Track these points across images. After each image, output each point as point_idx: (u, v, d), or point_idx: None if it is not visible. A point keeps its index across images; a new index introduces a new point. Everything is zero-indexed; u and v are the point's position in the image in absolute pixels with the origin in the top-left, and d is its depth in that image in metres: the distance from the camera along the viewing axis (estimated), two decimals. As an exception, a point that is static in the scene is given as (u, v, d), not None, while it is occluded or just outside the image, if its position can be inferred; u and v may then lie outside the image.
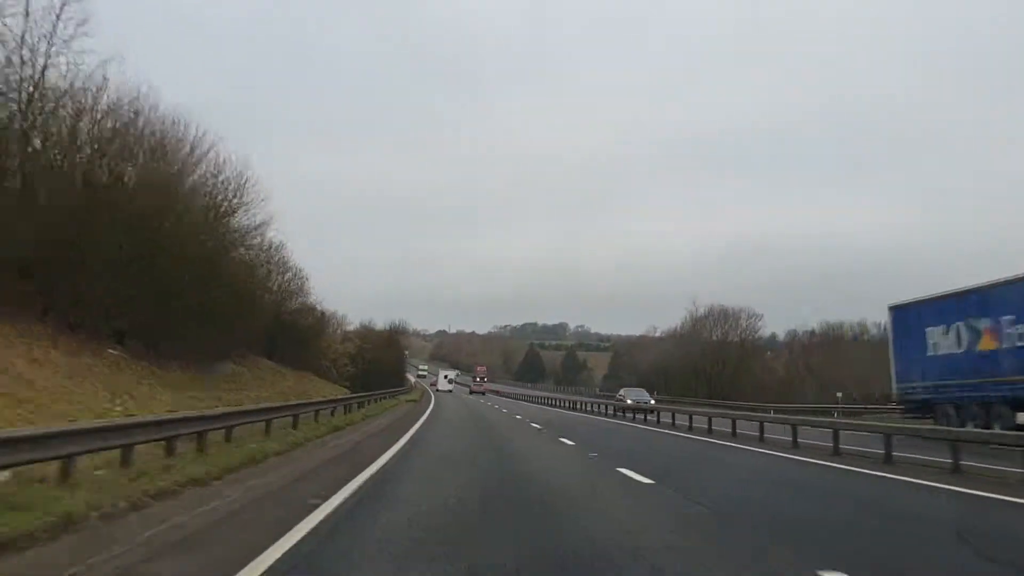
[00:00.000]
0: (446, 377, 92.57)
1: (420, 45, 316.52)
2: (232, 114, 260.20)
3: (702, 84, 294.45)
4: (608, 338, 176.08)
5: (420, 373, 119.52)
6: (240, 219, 34.14)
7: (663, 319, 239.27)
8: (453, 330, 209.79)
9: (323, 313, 58.42)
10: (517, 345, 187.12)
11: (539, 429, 23.34)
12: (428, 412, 31.52)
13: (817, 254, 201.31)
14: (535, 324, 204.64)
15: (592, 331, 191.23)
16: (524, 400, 64.25)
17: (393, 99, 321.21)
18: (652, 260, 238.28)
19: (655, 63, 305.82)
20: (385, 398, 39.55)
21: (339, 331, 63.96)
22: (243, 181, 33.77)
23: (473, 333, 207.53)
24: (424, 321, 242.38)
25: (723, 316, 69.15)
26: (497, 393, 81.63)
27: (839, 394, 44.82)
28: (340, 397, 27.50)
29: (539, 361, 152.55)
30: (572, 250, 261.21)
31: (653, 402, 37.08)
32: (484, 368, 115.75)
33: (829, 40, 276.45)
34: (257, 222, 35.83)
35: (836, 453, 14.82)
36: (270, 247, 43.91)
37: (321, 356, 53.22)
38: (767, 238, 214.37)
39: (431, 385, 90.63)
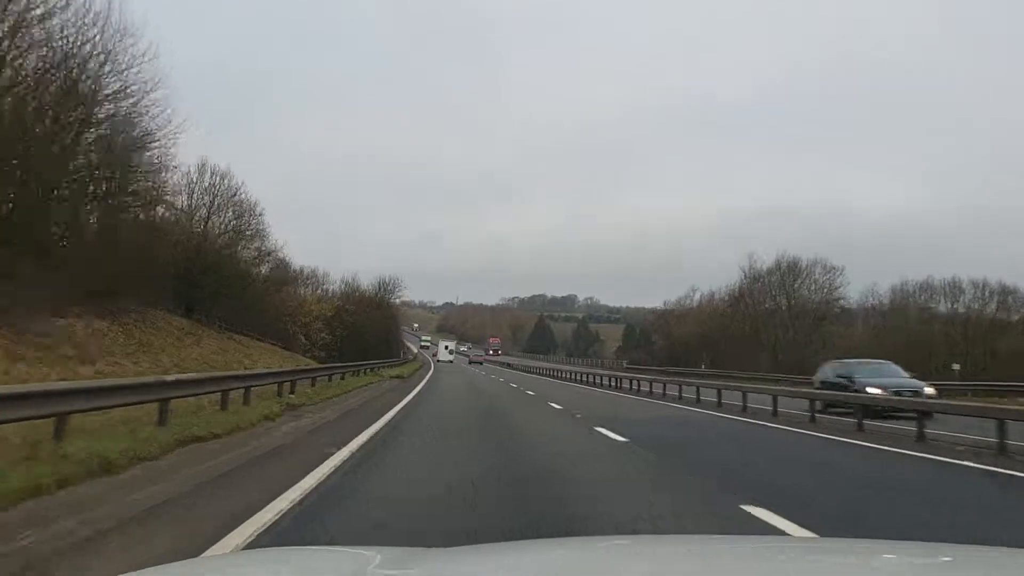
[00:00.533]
0: (447, 348, 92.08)
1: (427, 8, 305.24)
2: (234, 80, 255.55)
3: (717, 51, 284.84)
4: (619, 310, 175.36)
5: (424, 344, 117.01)
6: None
7: (673, 290, 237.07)
8: (461, 302, 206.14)
9: (286, 263, 46.95)
10: (526, 317, 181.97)
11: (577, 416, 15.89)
12: (403, 406, 19.63)
13: (835, 223, 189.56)
14: (544, 296, 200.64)
15: (602, 303, 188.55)
16: (536, 374, 53.47)
17: (399, 67, 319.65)
18: (663, 232, 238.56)
19: (671, 29, 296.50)
20: (364, 372, 28.92)
21: (317, 291, 53.15)
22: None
23: (481, 305, 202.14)
24: (432, 293, 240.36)
25: (792, 271, 56.31)
26: (509, 366, 71.92)
27: (956, 366, 33.84)
28: (275, 370, 17.07)
29: (549, 333, 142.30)
30: (582, 222, 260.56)
31: (930, 390, 16.82)
32: (498, 339, 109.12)
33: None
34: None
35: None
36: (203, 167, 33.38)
37: (287, 319, 42.13)
38: (784, 207, 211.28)
39: (433, 356, 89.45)
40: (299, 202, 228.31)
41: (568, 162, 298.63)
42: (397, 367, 44.13)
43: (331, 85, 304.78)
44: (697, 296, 68.52)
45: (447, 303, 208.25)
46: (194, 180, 36.03)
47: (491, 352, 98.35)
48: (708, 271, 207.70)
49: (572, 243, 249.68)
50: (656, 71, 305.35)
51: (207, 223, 36.40)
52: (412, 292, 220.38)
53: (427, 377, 38.24)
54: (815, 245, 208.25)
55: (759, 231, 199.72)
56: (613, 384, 32.82)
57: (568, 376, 45.13)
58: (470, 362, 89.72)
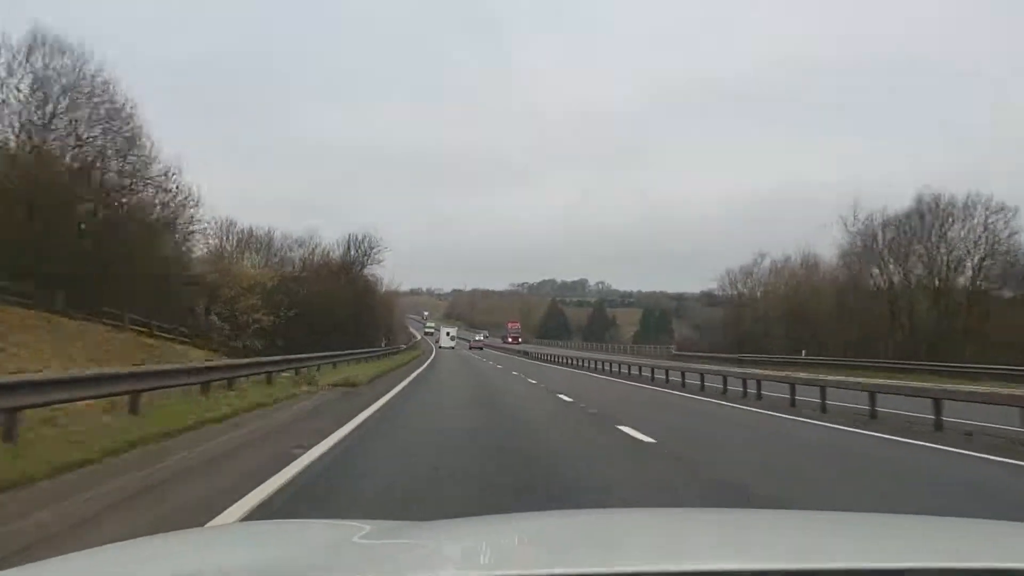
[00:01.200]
0: (448, 334, 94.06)
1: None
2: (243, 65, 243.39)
3: (732, 27, 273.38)
4: (631, 294, 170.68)
5: (428, 330, 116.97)
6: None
7: (691, 274, 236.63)
8: (469, 288, 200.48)
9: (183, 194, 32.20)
10: (536, 302, 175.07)
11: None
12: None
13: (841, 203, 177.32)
14: (554, 281, 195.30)
15: (614, 287, 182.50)
16: (557, 364, 40.55)
17: (406, 48, 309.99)
18: (675, 215, 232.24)
19: (681, 5, 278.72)
20: (286, 372, 17.80)
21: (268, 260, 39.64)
22: None
23: (490, 290, 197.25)
24: (440, 280, 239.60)
25: (939, 215, 38.90)
26: (526, 355, 61.34)
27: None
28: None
29: (562, 318, 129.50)
30: (592, 206, 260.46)
31: None
32: (517, 324, 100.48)
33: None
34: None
35: None
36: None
37: (199, 294, 28.83)
38: (798, 188, 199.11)
39: (436, 342, 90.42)
40: (300, 189, 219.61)
41: (578, 145, 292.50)
42: (373, 362, 31.34)
43: (333, 69, 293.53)
44: (767, 263, 53.57)
45: (455, 290, 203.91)
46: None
47: (510, 339, 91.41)
48: (723, 254, 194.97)
49: (582, 227, 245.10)
50: (671, 49, 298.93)
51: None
52: (420, 279, 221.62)
53: (412, 376, 25.44)
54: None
55: (779, 211, 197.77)
56: (652, 376, 25.68)
57: (598, 367, 32.42)
58: (469, 347, 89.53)
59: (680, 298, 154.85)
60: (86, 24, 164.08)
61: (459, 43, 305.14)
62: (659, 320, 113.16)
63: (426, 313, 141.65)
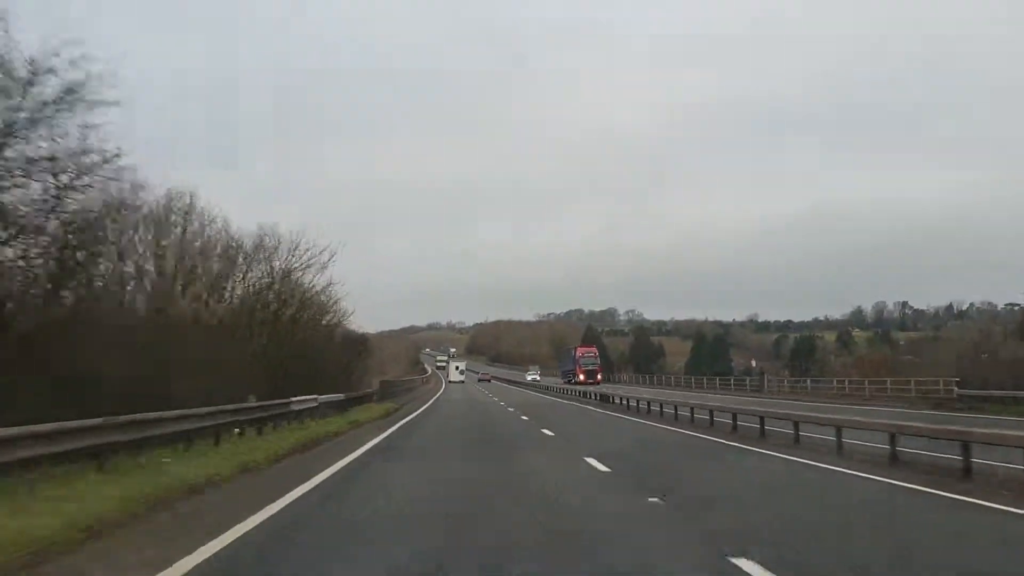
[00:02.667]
0: (457, 368, 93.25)
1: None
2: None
3: (762, 46, 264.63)
4: (666, 323, 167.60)
5: (439, 364, 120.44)
6: None
7: (726, 300, 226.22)
8: (492, 320, 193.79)
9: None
10: (567, 331, 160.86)
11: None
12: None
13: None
14: (581, 311, 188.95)
15: (646, 316, 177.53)
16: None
17: (423, 76, 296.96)
18: (706, 240, 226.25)
19: (712, 23, 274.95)
20: None
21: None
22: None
23: (515, 321, 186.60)
24: (460, 314, 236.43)
25: None
26: (605, 400, 36.88)
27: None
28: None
29: (602, 347, 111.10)
30: (619, 234, 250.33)
31: None
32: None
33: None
34: None
35: None
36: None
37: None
38: (835, 208, 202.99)
39: (447, 376, 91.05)
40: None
41: (603, 172, 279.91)
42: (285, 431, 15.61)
43: (351, 103, 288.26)
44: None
45: (477, 324, 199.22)
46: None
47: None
48: (755, 280, 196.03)
49: (609, 256, 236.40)
50: (693, 74, 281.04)
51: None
52: (439, 314, 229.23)
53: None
54: (869, 246, 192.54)
55: (807, 234, 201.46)
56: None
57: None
58: (479, 379, 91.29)
59: (725, 325, 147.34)
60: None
61: (479, 70, 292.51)
62: (713, 348, 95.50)
63: (453, 350, 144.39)
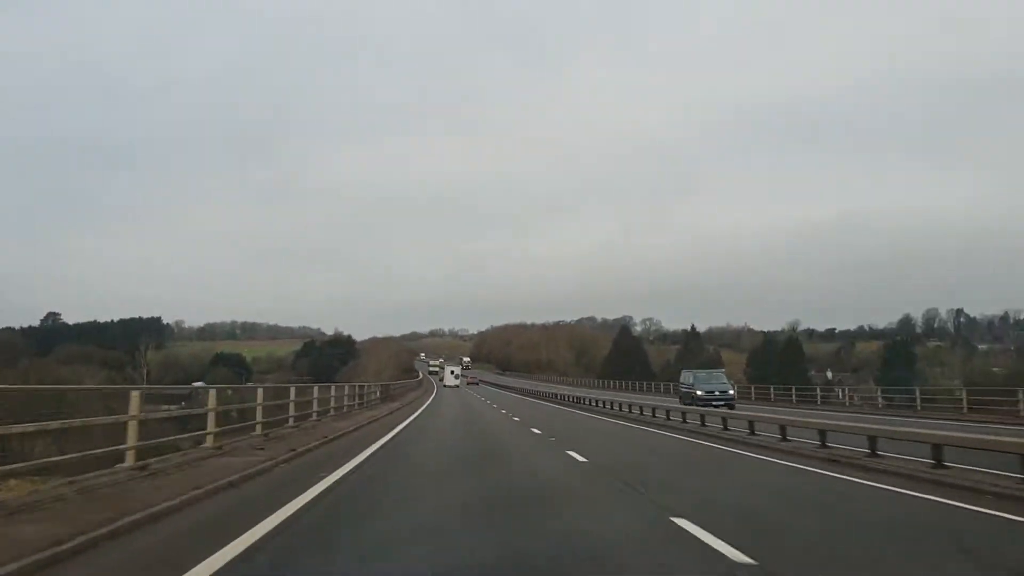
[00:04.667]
0: (452, 372, 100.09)
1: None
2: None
3: (781, 47, 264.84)
4: (682, 332, 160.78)
5: (432, 369, 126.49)
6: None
7: (749, 309, 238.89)
8: (498, 324, 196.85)
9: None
10: (590, 334, 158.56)
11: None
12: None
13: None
14: (593, 319, 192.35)
15: (663, 325, 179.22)
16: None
17: (431, 77, 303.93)
18: (724, 248, 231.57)
19: (726, 25, 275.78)
20: None
21: None
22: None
23: (525, 324, 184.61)
24: (465, 322, 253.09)
25: None
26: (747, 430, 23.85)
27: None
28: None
29: (638, 352, 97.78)
30: (632, 241, 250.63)
31: None
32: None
33: None
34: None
35: None
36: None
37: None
38: (858, 220, 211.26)
39: (440, 381, 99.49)
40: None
41: (615, 178, 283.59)
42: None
43: (354, 105, 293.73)
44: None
45: (482, 331, 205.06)
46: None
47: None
48: (769, 287, 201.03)
49: (620, 264, 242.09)
50: (711, 79, 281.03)
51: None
52: (444, 322, 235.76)
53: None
54: (895, 257, 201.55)
55: (828, 243, 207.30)
56: None
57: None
58: (468, 383, 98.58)
59: (768, 335, 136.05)
60: None
61: (490, 71, 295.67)
62: (786, 354, 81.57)
63: (467, 359, 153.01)
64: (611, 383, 79.59)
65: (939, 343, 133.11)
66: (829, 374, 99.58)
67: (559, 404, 45.08)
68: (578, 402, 42.54)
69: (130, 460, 11.45)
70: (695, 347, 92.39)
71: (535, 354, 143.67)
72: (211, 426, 15.70)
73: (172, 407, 27.63)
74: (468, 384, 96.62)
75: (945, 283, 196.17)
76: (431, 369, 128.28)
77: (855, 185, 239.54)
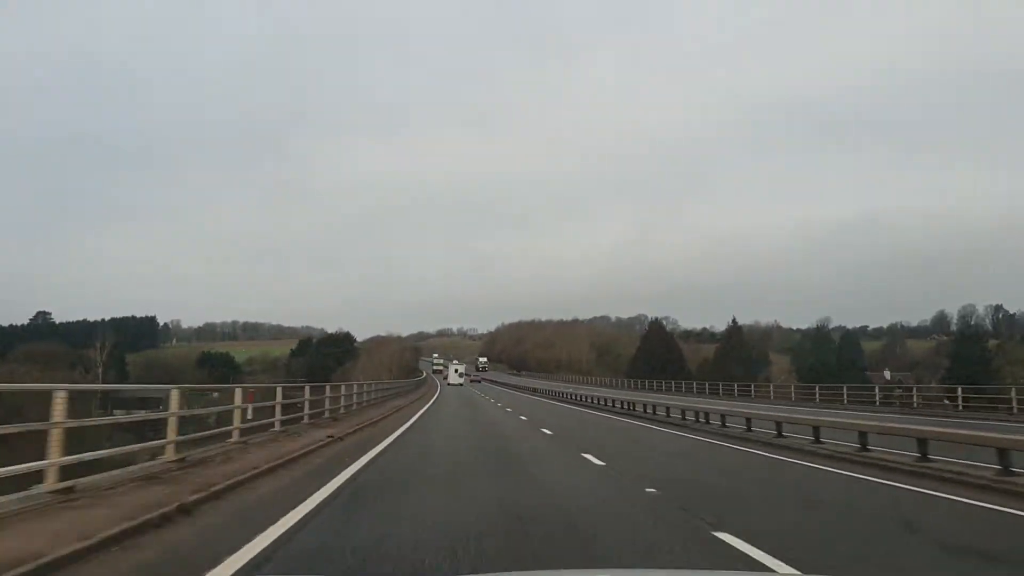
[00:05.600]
0: (456, 371, 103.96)
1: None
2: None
3: (802, 41, 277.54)
4: (706, 332, 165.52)
5: (436, 367, 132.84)
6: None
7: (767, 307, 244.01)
8: (511, 322, 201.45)
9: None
10: (615, 331, 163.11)
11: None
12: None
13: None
14: (607, 318, 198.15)
15: (680, 324, 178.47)
16: None
17: (444, 75, 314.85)
18: (739, 246, 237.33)
19: (745, 17, 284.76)
20: None
21: None
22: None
23: (540, 321, 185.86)
24: (475, 321, 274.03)
25: None
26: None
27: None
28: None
29: (674, 349, 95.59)
30: (646, 239, 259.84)
31: None
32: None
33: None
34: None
35: None
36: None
37: None
38: (873, 220, 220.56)
39: (444, 379, 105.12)
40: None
41: (629, 177, 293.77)
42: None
43: (365, 102, 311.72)
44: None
45: (491, 331, 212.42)
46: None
47: None
48: (789, 285, 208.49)
49: (634, 263, 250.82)
50: (724, 77, 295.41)
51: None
52: (452, 321, 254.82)
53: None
54: (909, 256, 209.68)
55: (845, 242, 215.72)
56: None
57: None
58: (470, 380, 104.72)
59: (798, 332, 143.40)
60: None
61: (504, 68, 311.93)
62: (842, 352, 78.86)
63: (484, 359, 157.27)
64: (644, 383, 76.68)
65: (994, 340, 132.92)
66: (887, 374, 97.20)
67: (613, 414, 37.06)
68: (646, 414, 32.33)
69: (50, 480, 9.16)
70: (737, 344, 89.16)
71: (551, 353, 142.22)
72: (171, 434, 13.33)
73: (136, 412, 25.22)
74: (471, 382, 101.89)
75: (976, 279, 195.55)
76: (435, 367, 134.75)
77: (880, 182, 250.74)
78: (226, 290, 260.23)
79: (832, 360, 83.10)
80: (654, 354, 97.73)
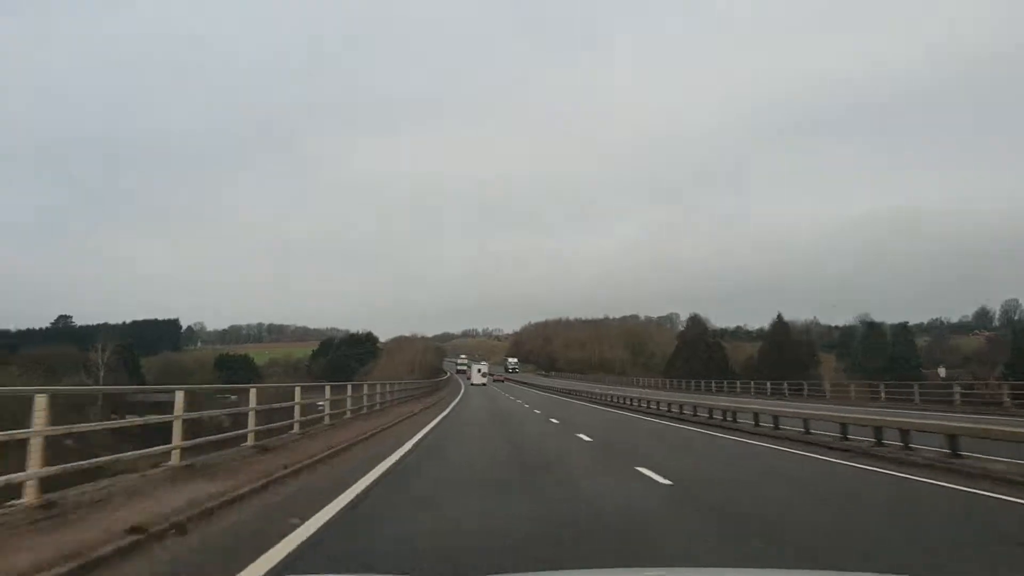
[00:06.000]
0: (479, 371, 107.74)
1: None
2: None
3: (840, 31, 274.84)
4: (738, 329, 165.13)
5: (460, 368, 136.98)
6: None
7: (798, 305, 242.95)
8: (539, 320, 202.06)
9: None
10: (647, 330, 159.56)
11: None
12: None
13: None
14: (636, 317, 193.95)
15: (713, 323, 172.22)
16: None
17: (462, 74, 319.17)
18: (772, 244, 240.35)
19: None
20: None
21: None
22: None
23: (566, 320, 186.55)
24: (498, 321, 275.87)
25: None
26: None
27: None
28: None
29: (715, 347, 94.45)
30: (674, 237, 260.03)
31: None
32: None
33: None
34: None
35: None
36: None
37: None
38: (911, 214, 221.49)
39: (467, 378, 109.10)
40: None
41: (654, 175, 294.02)
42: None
43: (384, 101, 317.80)
44: None
45: (517, 331, 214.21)
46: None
47: None
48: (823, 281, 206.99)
49: (662, 261, 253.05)
50: (767, 59, 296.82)
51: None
52: (477, 322, 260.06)
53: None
54: (945, 252, 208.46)
55: (877, 238, 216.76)
56: None
57: None
58: (493, 380, 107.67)
59: (838, 330, 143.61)
60: None
61: (524, 63, 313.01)
62: (897, 348, 76.96)
63: (514, 360, 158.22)
64: (689, 383, 74.46)
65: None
66: (942, 371, 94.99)
67: (668, 419, 33.90)
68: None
69: (29, 495, 8.06)
70: (783, 342, 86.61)
71: (582, 352, 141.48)
72: (176, 439, 12.19)
73: (135, 417, 24.07)
74: (494, 381, 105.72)
75: (1016, 274, 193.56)
76: (459, 368, 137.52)
77: (916, 178, 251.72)
78: (251, 293, 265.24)
79: (882, 357, 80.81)
80: (694, 353, 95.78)
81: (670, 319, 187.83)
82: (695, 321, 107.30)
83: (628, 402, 45.12)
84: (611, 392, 55.24)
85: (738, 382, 66.41)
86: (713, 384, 67.63)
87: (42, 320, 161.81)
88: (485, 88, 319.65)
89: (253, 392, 15.92)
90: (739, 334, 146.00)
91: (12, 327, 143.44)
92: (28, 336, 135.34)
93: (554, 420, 30.06)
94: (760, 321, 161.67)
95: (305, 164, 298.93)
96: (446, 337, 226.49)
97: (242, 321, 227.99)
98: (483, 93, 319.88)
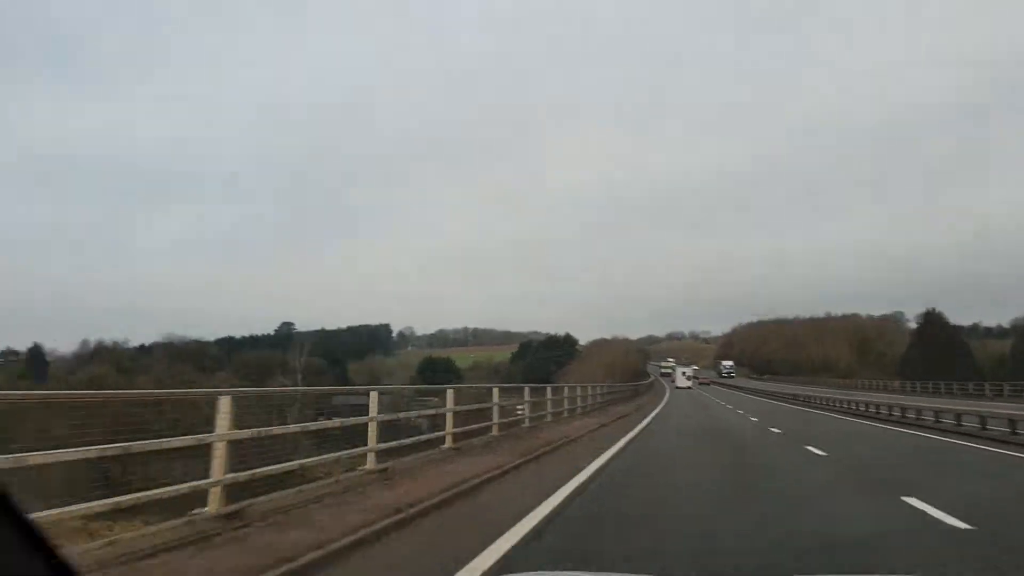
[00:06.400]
0: (683, 374, 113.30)
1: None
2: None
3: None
4: (975, 327, 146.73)
5: (664, 371, 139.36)
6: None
7: None
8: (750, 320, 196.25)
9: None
10: (870, 327, 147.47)
11: None
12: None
13: None
14: (858, 316, 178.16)
15: (948, 319, 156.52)
16: None
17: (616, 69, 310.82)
18: (1011, 234, 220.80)
19: None
20: None
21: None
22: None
23: (781, 320, 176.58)
24: (706, 322, 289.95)
25: None
26: None
27: None
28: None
29: (959, 344, 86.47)
30: (894, 231, 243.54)
31: None
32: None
33: None
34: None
35: None
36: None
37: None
38: None
39: (672, 381, 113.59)
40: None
41: (876, 165, 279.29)
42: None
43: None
44: None
45: (726, 333, 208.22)
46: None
47: None
48: None
49: (883, 257, 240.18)
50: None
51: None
52: (684, 324, 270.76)
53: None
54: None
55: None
56: None
57: None
58: (699, 383, 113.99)
59: None
60: None
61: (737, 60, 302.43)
62: None
63: (729, 363, 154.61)
64: (929, 385, 66.98)
65: None
66: None
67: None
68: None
69: (213, 505, 7.60)
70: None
71: (798, 353, 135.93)
72: (372, 441, 11.73)
73: (327, 421, 24.45)
74: (700, 384, 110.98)
75: None
76: (663, 371, 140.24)
77: None
78: (459, 298, 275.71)
79: None
80: (933, 351, 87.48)
81: (894, 318, 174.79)
82: (932, 316, 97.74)
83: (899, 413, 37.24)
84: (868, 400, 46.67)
85: (986, 384, 58.75)
86: (955, 385, 60.28)
87: (267, 326, 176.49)
88: (696, 88, 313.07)
89: (450, 393, 15.47)
90: (977, 331, 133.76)
91: (236, 334, 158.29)
92: (252, 342, 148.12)
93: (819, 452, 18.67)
94: (997, 318, 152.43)
95: (510, 174, 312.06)
96: (651, 340, 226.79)
97: (449, 326, 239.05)
98: (695, 94, 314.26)
